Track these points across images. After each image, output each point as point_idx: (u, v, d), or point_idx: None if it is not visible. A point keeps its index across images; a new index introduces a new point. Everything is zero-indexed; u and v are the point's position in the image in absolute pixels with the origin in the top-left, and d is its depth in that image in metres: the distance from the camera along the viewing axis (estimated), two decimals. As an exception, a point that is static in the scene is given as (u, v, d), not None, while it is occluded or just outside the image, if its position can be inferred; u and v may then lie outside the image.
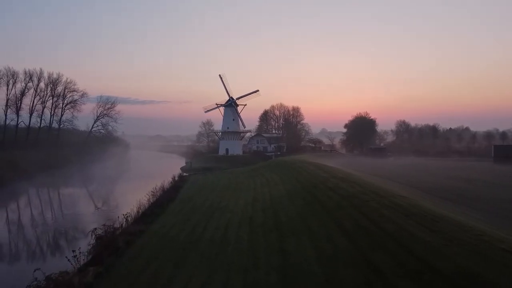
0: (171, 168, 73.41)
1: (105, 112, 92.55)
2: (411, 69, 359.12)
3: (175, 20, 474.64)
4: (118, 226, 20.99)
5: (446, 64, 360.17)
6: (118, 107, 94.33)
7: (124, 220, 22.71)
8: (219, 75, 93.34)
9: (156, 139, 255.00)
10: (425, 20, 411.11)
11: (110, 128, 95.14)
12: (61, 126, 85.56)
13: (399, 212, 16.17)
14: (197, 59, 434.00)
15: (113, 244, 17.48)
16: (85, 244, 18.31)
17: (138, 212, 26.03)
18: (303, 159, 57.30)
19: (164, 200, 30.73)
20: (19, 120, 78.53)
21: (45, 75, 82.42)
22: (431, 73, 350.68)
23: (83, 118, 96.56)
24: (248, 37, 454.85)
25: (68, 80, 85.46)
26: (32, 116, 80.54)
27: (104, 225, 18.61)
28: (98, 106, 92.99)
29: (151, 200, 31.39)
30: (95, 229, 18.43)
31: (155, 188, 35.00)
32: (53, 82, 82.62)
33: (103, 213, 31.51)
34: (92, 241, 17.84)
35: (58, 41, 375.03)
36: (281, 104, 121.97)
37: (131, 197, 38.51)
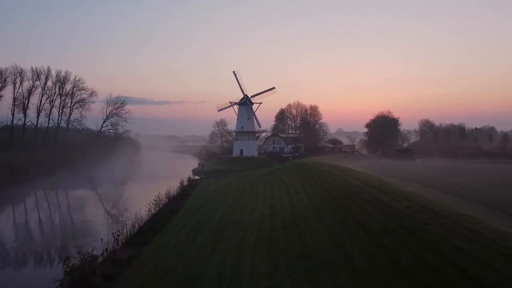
0: (182, 170, 69.43)
1: (114, 111, 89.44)
2: (428, 67, 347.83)
3: (189, 19, 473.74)
4: (102, 249, 16.68)
5: (466, 62, 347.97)
6: (133, 108, 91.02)
7: (114, 240, 18.43)
8: (233, 72, 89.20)
9: (171, 139, 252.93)
10: (448, 17, 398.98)
11: (120, 128, 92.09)
12: (69, 126, 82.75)
13: (484, 246, 11.30)
14: (213, 58, 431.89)
15: (88, 280, 13.12)
16: (54, 276, 14.00)
17: (133, 227, 21.74)
18: (325, 162, 52.41)
19: (167, 211, 26.41)
20: (27, 120, 76.10)
21: (53, 73, 79.75)
22: (452, 72, 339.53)
23: (93, 118, 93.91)
24: (262, 35, 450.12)
25: (77, 79, 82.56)
26: (40, 116, 78.03)
27: (79, 252, 14.23)
28: (108, 105, 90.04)
29: (153, 211, 27.12)
30: (68, 257, 14.09)
31: (159, 196, 30.69)
32: (61, 81, 79.81)
33: (96, 225, 27.37)
34: (62, 276, 13.48)
35: (68, 41, 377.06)
36: (298, 102, 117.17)
37: (133, 205, 34.56)
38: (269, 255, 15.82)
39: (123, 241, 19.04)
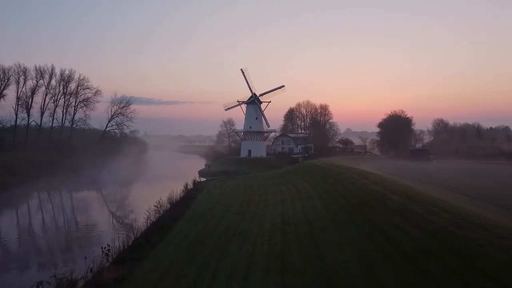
0: (188, 171, 67.14)
1: (119, 111, 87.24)
2: (439, 66, 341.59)
3: (197, 18, 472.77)
4: (87, 269, 14.20)
5: (477, 61, 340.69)
6: (142, 108, 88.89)
7: (104, 255, 15.95)
8: (241, 69, 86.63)
9: (178, 139, 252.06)
10: (460, 15, 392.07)
11: (125, 127, 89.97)
12: (73, 125, 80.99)
13: None
14: (220, 58, 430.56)
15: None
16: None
17: (128, 239, 19.27)
18: (337, 163, 49.65)
19: (167, 219, 23.93)
20: (31, 120, 74.43)
21: (57, 72, 77.98)
22: (463, 70, 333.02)
23: (98, 118, 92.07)
24: (269, 33, 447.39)
25: (81, 77, 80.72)
26: (44, 116, 76.28)
27: (54, 276, 11.77)
28: (113, 105, 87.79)
29: (152, 218, 24.66)
30: (41, 282, 11.64)
31: (160, 201, 28.26)
32: (65, 80, 78.04)
33: (93, 231, 25.07)
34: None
35: (71, 41, 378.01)
36: (307, 101, 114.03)
37: (133, 210, 32.43)
38: (282, 278, 13.24)
39: (114, 256, 16.57)
